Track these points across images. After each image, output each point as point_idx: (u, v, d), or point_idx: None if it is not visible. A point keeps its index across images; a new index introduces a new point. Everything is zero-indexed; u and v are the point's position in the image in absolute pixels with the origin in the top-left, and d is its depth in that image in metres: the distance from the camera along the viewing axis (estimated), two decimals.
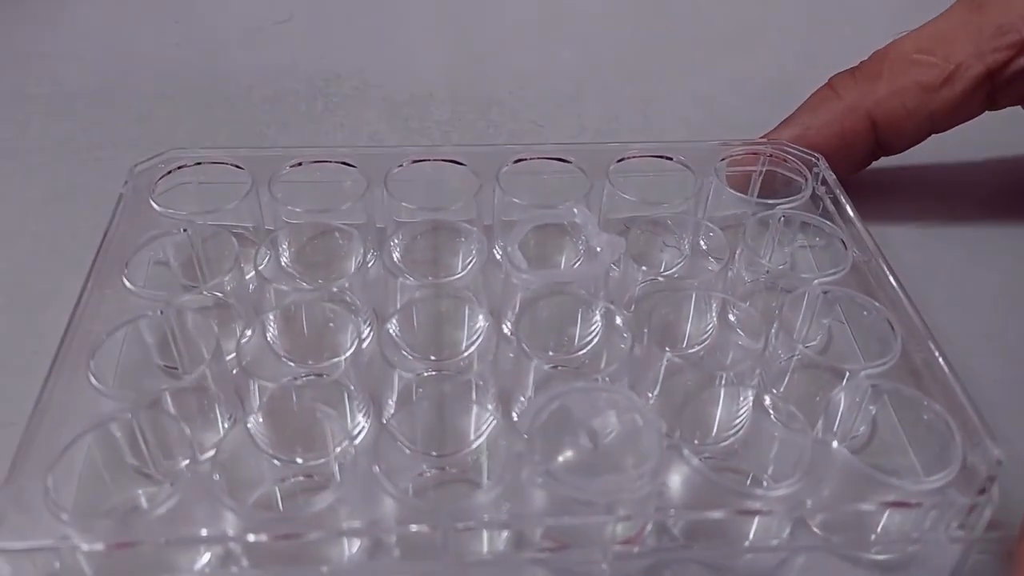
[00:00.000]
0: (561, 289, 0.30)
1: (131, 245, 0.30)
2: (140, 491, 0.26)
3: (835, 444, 0.24)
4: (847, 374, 0.27)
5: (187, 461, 0.24)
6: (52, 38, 0.49)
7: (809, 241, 0.35)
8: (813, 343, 0.31)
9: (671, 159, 0.35)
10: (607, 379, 0.27)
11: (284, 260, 0.32)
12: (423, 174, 0.34)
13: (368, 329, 0.31)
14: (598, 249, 0.31)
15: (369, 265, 0.32)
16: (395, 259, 0.31)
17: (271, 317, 0.29)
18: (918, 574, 0.25)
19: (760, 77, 0.48)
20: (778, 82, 0.46)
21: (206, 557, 0.24)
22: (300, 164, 0.33)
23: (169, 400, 0.26)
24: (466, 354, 0.28)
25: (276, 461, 0.25)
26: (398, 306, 0.29)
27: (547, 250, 0.34)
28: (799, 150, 0.35)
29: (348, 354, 0.26)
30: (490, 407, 0.26)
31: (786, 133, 0.36)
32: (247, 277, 0.31)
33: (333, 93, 0.45)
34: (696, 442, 0.27)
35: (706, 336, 0.31)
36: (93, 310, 0.28)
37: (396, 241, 0.31)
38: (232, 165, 0.33)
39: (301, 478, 0.26)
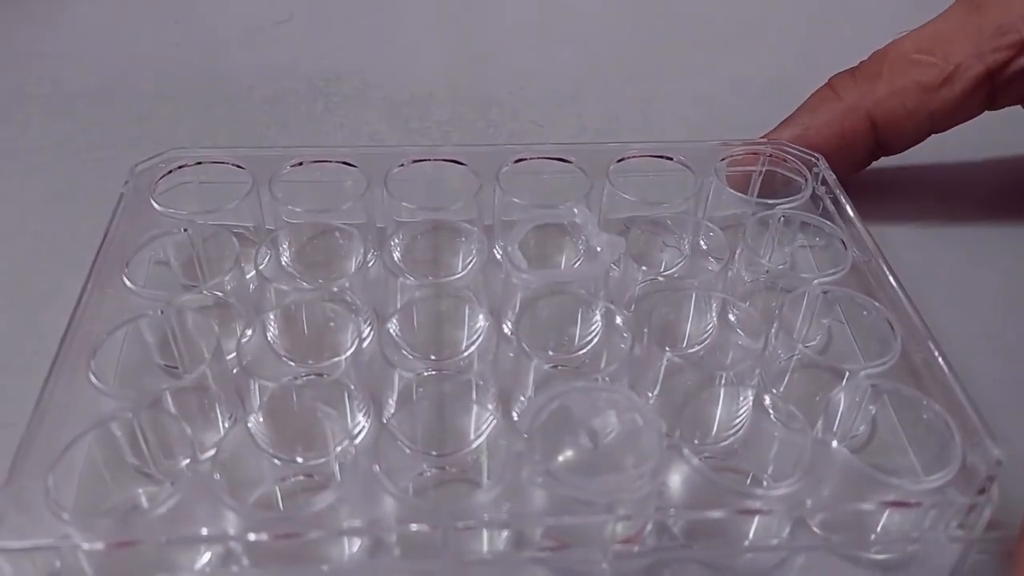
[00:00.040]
0: (561, 289, 0.30)
1: (131, 245, 0.30)
2: (141, 490, 0.26)
3: (835, 444, 0.24)
4: (847, 374, 0.27)
5: (187, 460, 0.24)
6: (52, 38, 0.49)
7: (809, 241, 0.35)
8: (813, 343, 0.31)
9: (671, 159, 0.35)
10: (607, 379, 0.27)
11: (284, 260, 0.32)
12: (423, 174, 0.34)
13: (368, 329, 0.31)
14: (598, 249, 0.31)
15: (369, 265, 0.32)
16: (395, 259, 0.31)
17: (271, 317, 0.29)
18: (918, 574, 0.25)
19: (760, 77, 0.48)
20: (778, 82, 0.46)
21: (207, 556, 0.24)
22: (300, 164, 0.33)
23: (170, 399, 0.26)
24: (466, 354, 0.28)
25: (276, 460, 0.25)
26: (398, 306, 0.29)
27: (547, 250, 0.34)
28: (799, 150, 0.35)
29: (348, 354, 0.26)
30: (490, 407, 0.26)
31: (786, 133, 0.36)
32: (247, 277, 0.31)
33: (333, 93, 0.45)
34: (696, 442, 0.27)
35: (706, 336, 0.31)
36: (93, 310, 0.28)
37: (396, 241, 0.31)
38: (232, 165, 0.33)
39: (301, 477, 0.26)
